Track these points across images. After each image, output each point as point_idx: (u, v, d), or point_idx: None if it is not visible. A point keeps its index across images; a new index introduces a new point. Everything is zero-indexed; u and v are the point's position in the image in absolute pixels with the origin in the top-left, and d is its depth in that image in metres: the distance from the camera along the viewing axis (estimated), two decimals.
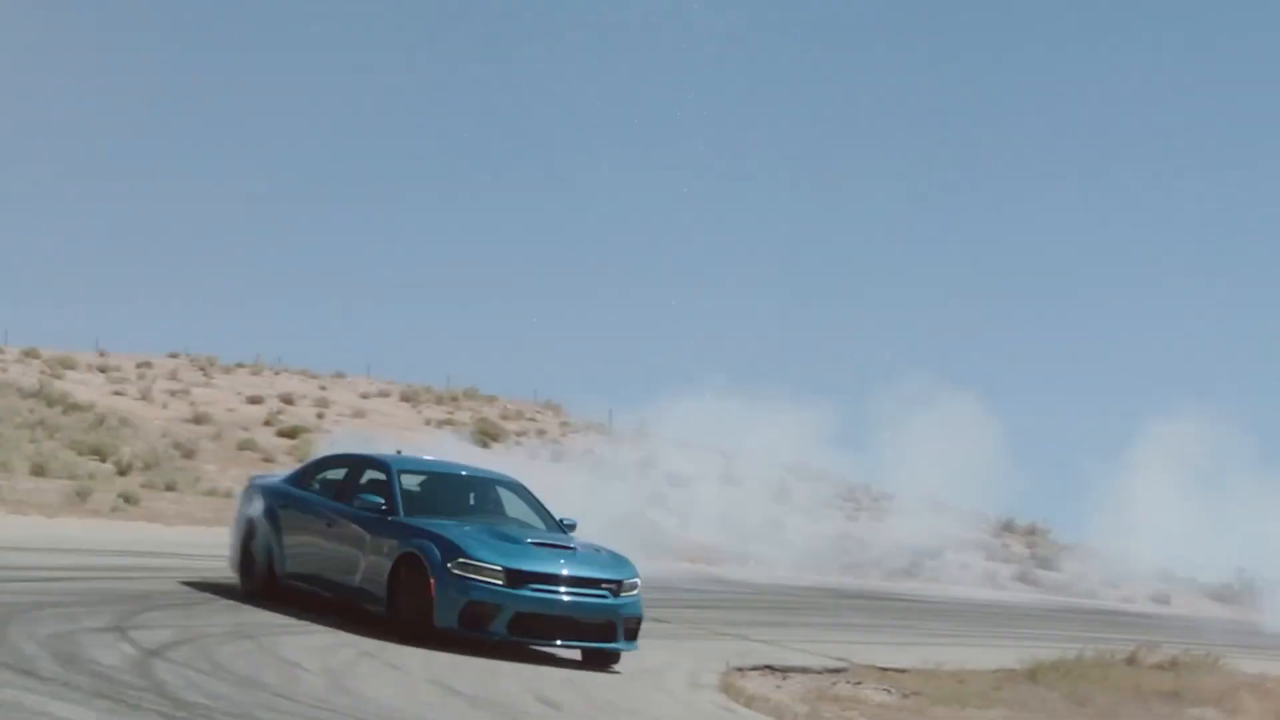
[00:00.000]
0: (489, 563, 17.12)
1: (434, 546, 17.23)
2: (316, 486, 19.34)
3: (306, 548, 18.79)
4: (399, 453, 19.90)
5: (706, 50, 78.50)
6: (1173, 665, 23.78)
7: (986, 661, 22.97)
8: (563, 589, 17.29)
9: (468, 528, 17.85)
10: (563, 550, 17.78)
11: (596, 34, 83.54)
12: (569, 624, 17.29)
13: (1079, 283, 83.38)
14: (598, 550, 18.07)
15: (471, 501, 18.97)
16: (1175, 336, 78.65)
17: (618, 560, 17.98)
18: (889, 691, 19.52)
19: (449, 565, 17.07)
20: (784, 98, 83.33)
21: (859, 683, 19.94)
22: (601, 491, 41.34)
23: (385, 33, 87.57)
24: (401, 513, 18.06)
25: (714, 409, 45.69)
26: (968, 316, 79.57)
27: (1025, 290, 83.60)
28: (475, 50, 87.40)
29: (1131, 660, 23.81)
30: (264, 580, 19.06)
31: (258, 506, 19.47)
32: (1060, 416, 66.78)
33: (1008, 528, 60.35)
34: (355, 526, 18.19)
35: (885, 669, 21.30)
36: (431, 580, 17.04)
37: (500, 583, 17.06)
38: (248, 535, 19.45)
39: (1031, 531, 60.51)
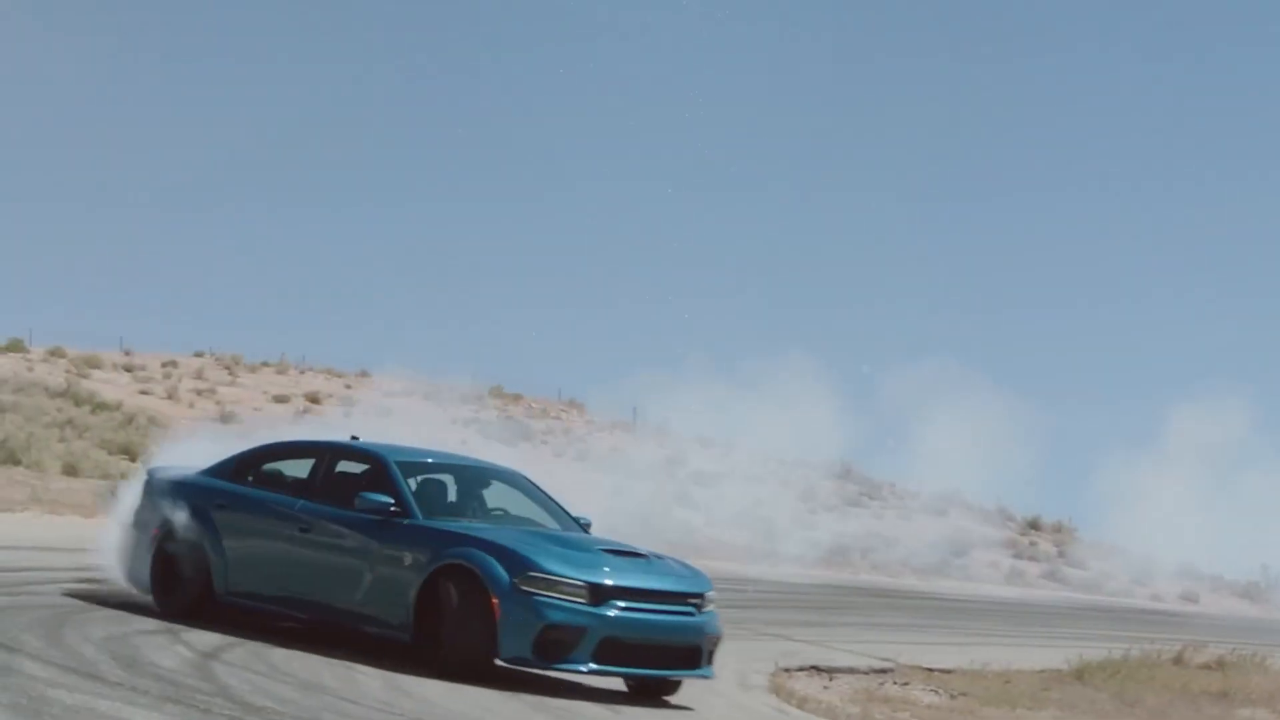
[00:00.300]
0: (568, 577, 14.12)
1: (490, 557, 14.10)
2: (251, 480, 16.02)
3: (264, 558, 15.51)
4: (355, 438, 16.56)
5: (717, 47, 78.44)
6: (1220, 665, 23.75)
7: (1030, 661, 22.96)
8: (653, 607, 14.44)
9: (514, 531, 14.96)
10: (638, 559, 14.86)
11: (614, 36, 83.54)
12: (659, 649, 14.52)
13: (1099, 277, 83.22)
14: (661, 558, 15.22)
15: (474, 498, 15.81)
16: (1199, 332, 78.49)
17: (693, 571, 15.22)
18: (937, 692, 19.45)
19: (516, 581, 14.02)
20: (793, 91, 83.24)
21: (906, 683, 19.87)
22: (627, 490, 41.34)
23: (399, 29, 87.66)
24: (419, 515, 14.82)
25: (734, 406, 45.75)
26: (986, 313, 79.41)
27: (1046, 284, 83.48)
28: (487, 48, 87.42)
29: (1178, 660, 23.77)
30: (196, 598, 15.81)
31: (178, 506, 16.07)
32: (1081, 412, 66.72)
33: (1034, 525, 60.34)
34: (351, 532, 14.93)
35: (931, 669, 21.27)
36: (495, 600, 13.96)
37: (583, 601, 14.08)
38: (165, 541, 16.10)
39: (1058, 529, 60.52)
